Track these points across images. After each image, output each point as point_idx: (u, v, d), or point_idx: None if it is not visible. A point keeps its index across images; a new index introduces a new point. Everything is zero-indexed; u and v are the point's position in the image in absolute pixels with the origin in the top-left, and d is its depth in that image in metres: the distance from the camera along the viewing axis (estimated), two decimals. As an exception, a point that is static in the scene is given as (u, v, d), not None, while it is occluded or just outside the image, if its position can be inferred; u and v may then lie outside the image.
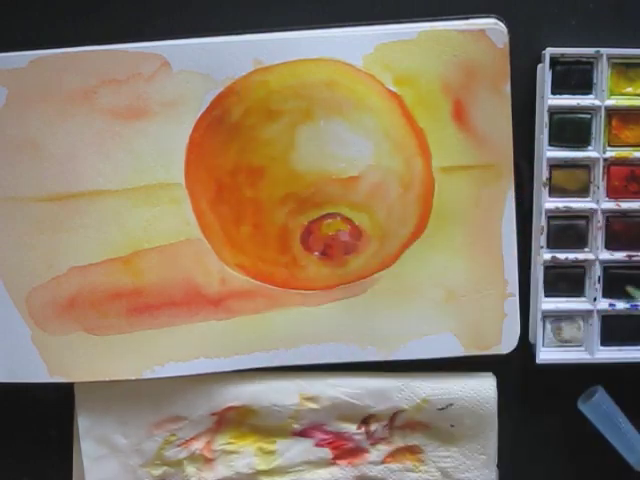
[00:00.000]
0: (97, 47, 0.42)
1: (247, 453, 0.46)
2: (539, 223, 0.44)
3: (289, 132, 0.42)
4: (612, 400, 0.45)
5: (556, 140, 0.44)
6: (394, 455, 0.46)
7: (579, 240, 0.45)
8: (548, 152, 0.44)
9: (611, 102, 0.43)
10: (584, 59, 0.43)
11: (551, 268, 0.45)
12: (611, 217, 0.44)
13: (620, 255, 0.44)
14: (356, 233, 0.44)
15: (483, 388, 0.45)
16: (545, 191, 0.44)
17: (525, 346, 0.45)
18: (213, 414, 0.46)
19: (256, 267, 0.44)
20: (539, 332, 0.45)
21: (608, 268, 0.45)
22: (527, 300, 0.45)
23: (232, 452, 0.46)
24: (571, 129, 0.44)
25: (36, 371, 0.44)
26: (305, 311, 0.44)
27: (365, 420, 0.46)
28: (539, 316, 0.44)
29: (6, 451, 0.47)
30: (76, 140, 0.42)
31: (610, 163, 0.44)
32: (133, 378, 0.44)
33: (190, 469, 0.46)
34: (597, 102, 0.43)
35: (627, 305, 0.45)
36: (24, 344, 0.44)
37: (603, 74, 0.43)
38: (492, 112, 0.42)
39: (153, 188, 0.43)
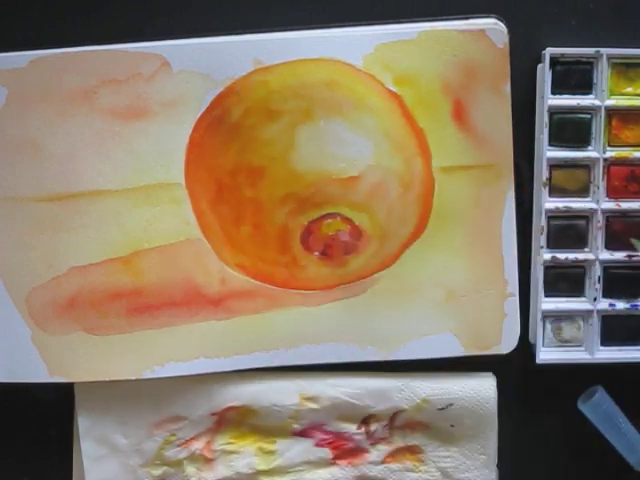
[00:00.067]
0: (97, 47, 0.42)
1: (247, 453, 0.46)
2: (539, 223, 0.44)
3: (289, 132, 0.42)
4: (612, 400, 0.45)
5: (556, 140, 0.44)
6: (394, 455, 0.46)
7: (579, 240, 0.45)
8: (548, 152, 0.44)
9: (611, 102, 0.43)
10: (584, 59, 0.43)
11: (551, 268, 0.45)
12: (611, 217, 0.44)
13: (620, 255, 0.44)
14: (356, 233, 0.44)
15: (483, 388, 0.45)
16: (545, 191, 0.44)
17: (525, 346, 0.45)
18: (213, 414, 0.46)
19: (256, 267, 0.44)
20: (539, 332, 0.45)
21: (608, 268, 0.45)
22: (527, 300, 0.45)
23: (232, 452, 0.46)
24: (571, 129, 0.44)
25: (36, 371, 0.44)
26: (305, 311, 0.44)
27: (365, 420, 0.46)
28: (539, 316, 0.44)
29: (6, 451, 0.47)
30: (76, 140, 0.42)
31: (610, 163, 0.44)
32: (133, 378, 0.44)
33: (190, 469, 0.46)
34: (597, 102, 0.43)
35: (627, 305, 0.45)
36: (24, 344, 0.44)
37: (603, 74, 0.43)
38: (492, 112, 0.42)
39: (153, 188, 0.43)
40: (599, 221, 0.44)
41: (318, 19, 0.43)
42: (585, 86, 0.43)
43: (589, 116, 0.44)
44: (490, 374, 0.46)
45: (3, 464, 0.47)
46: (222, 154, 0.43)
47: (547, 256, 0.44)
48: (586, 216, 0.44)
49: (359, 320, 0.44)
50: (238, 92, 0.42)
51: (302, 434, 0.46)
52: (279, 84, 0.42)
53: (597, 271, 0.44)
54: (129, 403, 0.45)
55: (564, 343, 0.45)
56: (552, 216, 0.44)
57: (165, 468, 0.46)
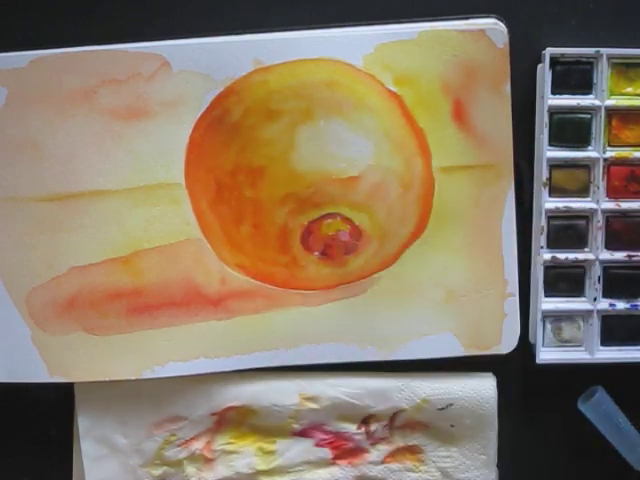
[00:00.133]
0: (97, 47, 0.42)
1: (247, 453, 0.46)
2: (539, 223, 0.44)
3: (289, 132, 0.42)
4: (612, 400, 0.45)
5: (556, 140, 0.44)
6: (394, 455, 0.46)
7: (579, 240, 0.45)
8: (548, 152, 0.44)
9: (611, 102, 0.43)
10: (584, 59, 0.43)
11: (551, 268, 0.45)
12: (611, 217, 0.44)
13: (620, 255, 0.44)
14: (356, 233, 0.44)
15: (483, 388, 0.45)
16: (545, 191, 0.44)
17: (525, 346, 0.45)
18: (213, 414, 0.46)
19: (256, 267, 0.44)
20: (539, 332, 0.45)
21: (608, 268, 0.45)
22: (527, 300, 0.45)
23: (232, 452, 0.46)
24: (571, 129, 0.44)
25: (36, 371, 0.44)
26: (305, 311, 0.44)
27: (365, 420, 0.46)
28: (539, 316, 0.44)
29: (6, 451, 0.47)
30: (76, 140, 0.42)
31: (610, 163, 0.44)
32: (133, 378, 0.44)
33: (190, 469, 0.46)
34: (597, 102, 0.43)
35: (627, 305, 0.45)
36: (24, 344, 0.44)
37: (603, 74, 0.43)
38: (492, 112, 0.42)
39: (153, 188, 0.43)
40: (599, 221, 0.44)
41: (318, 19, 0.43)
42: (585, 86, 0.43)
43: (589, 116, 0.44)
44: (490, 374, 0.46)
45: (3, 464, 0.47)
46: (222, 154, 0.43)
47: (547, 256, 0.44)
48: (586, 216, 0.44)
49: (359, 320, 0.44)
50: (238, 92, 0.42)
51: (302, 434, 0.46)
52: (279, 84, 0.42)
53: (597, 271, 0.44)
54: (129, 403, 0.45)
55: (564, 343, 0.45)
56: (552, 216, 0.44)
57: (165, 468, 0.46)
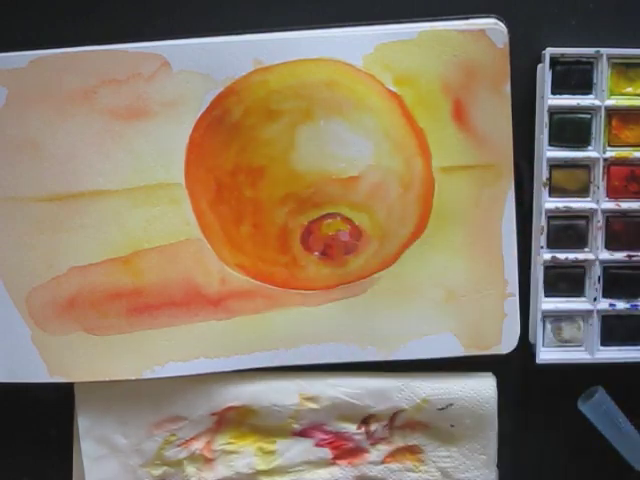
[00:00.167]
0: (97, 47, 0.42)
1: (247, 453, 0.46)
2: (539, 223, 0.44)
3: (289, 132, 0.42)
4: (612, 400, 0.45)
5: (556, 140, 0.44)
6: (394, 455, 0.46)
7: (579, 240, 0.45)
8: (548, 152, 0.44)
9: (611, 102, 0.43)
10: (584, 59, 0.43)
11: (551, 268, 0.45)
12: (611, 217, 0.44)
13: (620, 255, 0.44)
14: (356, 233, 0.44)
15: (483, 388, 0.45)
16: (545, 191, 0.44)
17: (525, 346, 0.45)
18: (213, 414, 0.46)
19: (256, 267, 0.44)
20: (539, 332, 0.45)
21: (608, 268, 0.45)
22: (527, 300, 0.45)
23: (232, 452, 0.46)
24: (571, 129, 0.44)
25: (36, 371, 0.44)
26: (305, 311, 0.44)
27: (365, 420, 0.46)
28: (539, 316, 0.44)
29: (6, 451, 0.47)
30: (76, 140, 0.42)
31: (610, 163, 0.44)
32: (133, 378, 0.44)
33: (190, 469, 0.46)
34: (597, 102, 0.43)
35: (627, 305, 0.45)
36: (24, 344, 0.44)
37: (603, 74, 0.43)
38: (492, 112, 0.42)
39: (153, 188, 0.43)
40: (599, 221, 0.44)
41: (318, 19, 0.43)
42: (585, 86, 0.43)
43: (589, 116, 0.44)
44: (490, 374, 0.46)
45: (3, 464, 0.47)
46: (222, 154, 0.43)
47: (547, 256, 0.44)
48: (586, 216, 0.44)
49: (359, 320, 0.44)
50: (238, 92, 0.42)
51: (302, 434, 0.46)
52: (279, 84, 0.42)
53: (597, 271, 0.44)
54: (129, 403, 0.45)
55: (564, 343, 0.45)
56: (552, 216, 0.44)
57: (165, 468, 0.46)
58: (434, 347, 0.44)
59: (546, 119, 0.43)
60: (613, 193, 0.44)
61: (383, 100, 0.42)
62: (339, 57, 0.42)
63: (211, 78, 0.42)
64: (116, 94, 0.42)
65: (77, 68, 0.42)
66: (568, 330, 0.45)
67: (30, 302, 0.44)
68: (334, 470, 0.46)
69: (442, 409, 0.45)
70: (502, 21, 0.42)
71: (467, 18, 0.42)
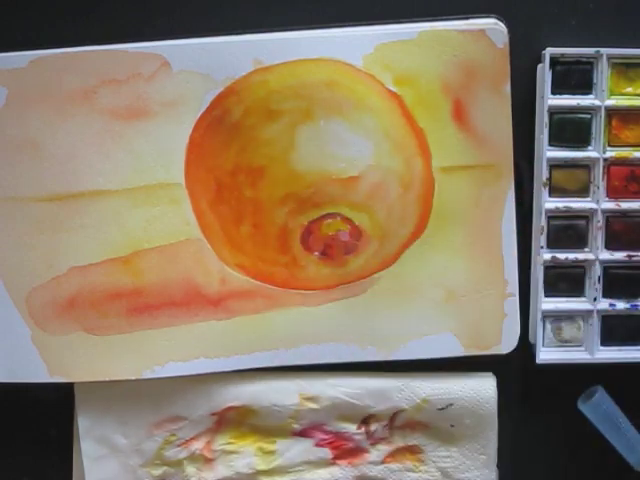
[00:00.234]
0: (97, 47, 0.42)
1: (247, 453, 0.46)
2: (539, 223, 0.44)
3: (289, 132, 0.42)
4: (612, 400, 0.45)
5: (556, 140, 0.44)
6: (394, 455, 0.46)
7: (579, 240, 0.45)
8: (548, 152, 0.44)
9: (611, 102, 0.43)
10: (584, 59, 0.43)
11: (551, 268, 0.45)
12: (611, 217, 0.44)
13: (620, 255, 0.44)
14: (356, 233, 0.44)
15: (483, 388, 0.45)
16: (545, 191, 0.44)
17: (525, 346, 0.45)
18: (213, 414, 0.46)
19: (256, 267, 0.44)
20: (539, 332, 0.45)
21: (608, 268, 0.45)
22: (527, 300, 0.45)
23: (232, 452, 0.46)
24: (571, 129, 0.44)
25: (36, 371, 0.44)
26: (305, 311, 0.44)
27: (365, 420, 0.46)
28: (539, 316, 0.44)
29: (6, 451, 0.47)
30: (76, 140, 0.42)
31: (610, 163, 0.44)
32: (133, 378, 0.44)
33: (190, 469, 0.46)
34: (597, 102, 0.43)
35: (627, 305, 0.45)
36: (24, 344, 0.44)
37: (603, 74, 0.43)
38: (492, 112, 0.42)
39: (153, 188, 0.43)
40: (599, 221, 0.44)
41: (318, 19, 0.43)
42: (585, 86, 0.43)
43: (589, 116, 0.44)
44: (490, 374, 0.46)
45: (3, 464, 0.47)
46: (222, 154, 0.43)
47: (547, 256, 0.44)
48: (586, 216, 0.44)
49: (359, 320, 0.44)
50: (238, 92, 0.42)
51: (302, 434, 0.46)
52: (279, 84, 0.42)
53: (597, 271, 0.44)
54: (129, 403, 0.45)
55: (564, 343, 0.45)
56: (552, 216, 0.44)
57: (165, 468, 0.46)
58: (434, 347, 0.44)
59: (546, 119, 0.43)
60: (613, 193, 0.44)
61: (383, 100, 0.42)
62: (339, 57, 0.42)
63: (211, 78, 0.42)
64: (116, 94, 0.42)
65: (77, 68, 0.42)
66: (568, 330, 0.45)
67: (30, 302, 0.44)
68: (334, 470, 0.46)
69: (442, 409, 0.45)
70: (502, 21, 0.42)
71: (467, 18, 0.42)
